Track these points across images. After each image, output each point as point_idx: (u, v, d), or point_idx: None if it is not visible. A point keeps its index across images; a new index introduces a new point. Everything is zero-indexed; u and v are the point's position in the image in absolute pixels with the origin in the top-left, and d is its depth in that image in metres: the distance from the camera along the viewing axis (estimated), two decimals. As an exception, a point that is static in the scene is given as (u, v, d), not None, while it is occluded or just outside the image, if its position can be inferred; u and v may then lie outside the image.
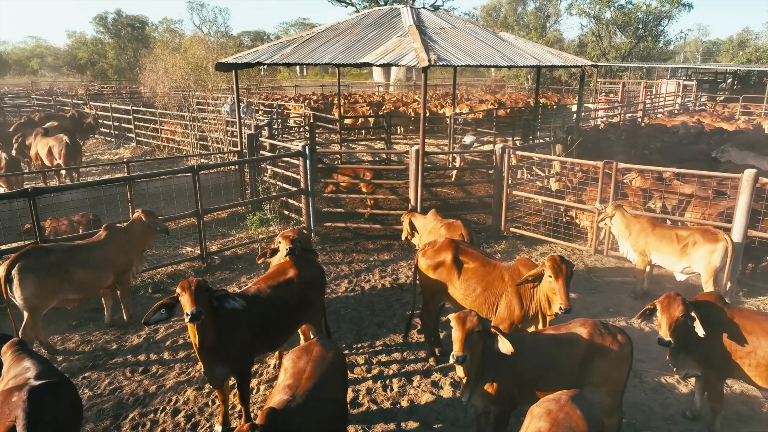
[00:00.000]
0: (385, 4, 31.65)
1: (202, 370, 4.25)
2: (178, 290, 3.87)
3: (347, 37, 9.87)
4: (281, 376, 3.56)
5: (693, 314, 4.07)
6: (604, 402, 4.05)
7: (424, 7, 11.91)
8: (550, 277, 4.48)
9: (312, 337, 5.16)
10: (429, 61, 8.08)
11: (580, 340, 3.88)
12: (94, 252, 5.78)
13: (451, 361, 3.54)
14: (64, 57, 64.30)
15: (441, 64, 8.31)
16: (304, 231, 6.50)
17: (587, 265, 8.10)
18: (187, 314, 3.76)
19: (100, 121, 18.31)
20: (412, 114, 20.36)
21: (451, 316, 3.69)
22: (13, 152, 12.71)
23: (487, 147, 15.73)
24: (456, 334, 3.58)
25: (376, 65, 9.21)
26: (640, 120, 20.92)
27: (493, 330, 3.70)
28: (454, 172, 12.25)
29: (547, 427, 2.89)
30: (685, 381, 5.15)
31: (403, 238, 7.59)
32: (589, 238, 8.40)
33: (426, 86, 8.66)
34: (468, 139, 13.37)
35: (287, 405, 3.18)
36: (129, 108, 18.63)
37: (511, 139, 15.33)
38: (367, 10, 13.08)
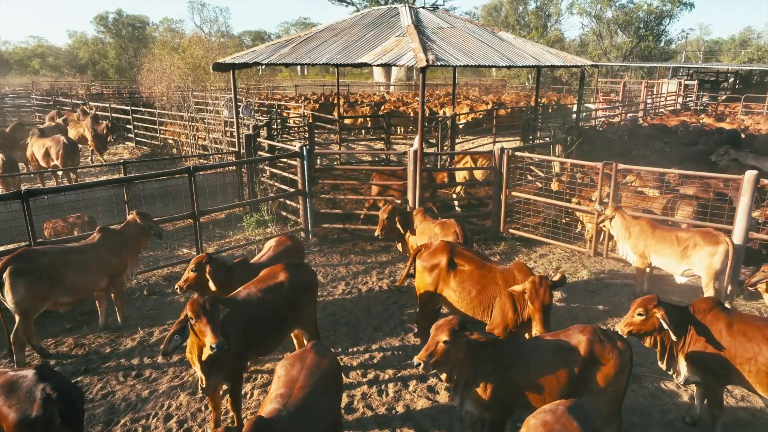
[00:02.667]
0: (386, 4, 31.58)
1: (204, 383, 4.10)
2: (190, 314, 3.70)
3: (345, 37, 9.79)
4: (274, 385, 3.49)
5: (662, 318, 4.10)
6: (603, 409, 3.98)
7: (423, 7, 11.83)
8: (528, 300, 4.41)
9: (305, 342, 5.10)
10: (427, 61, 8.01)
11: (579, 347, 3.81)
12: (87, 254, 5.70)
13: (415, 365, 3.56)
14: (65, 57, 64.35)
15: (439, 64, 8.23)
16: (296, 236, 6.33)
17: (587, 266, 8.02)
18: (212, 347, 3.58)
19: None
20: (412, 114, 20.28)
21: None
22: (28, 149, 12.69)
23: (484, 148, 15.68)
24: (428, 341, 3.61)
25: (374, 65, 9.14)
26: (640, 119, 20.82)
27: (480, 336, 3.62)
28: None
29: None
30: (685, 387, 5.08)
31: (378, 233, 7.09)
32: (586, 239, 8.32)
33: (424, 86, 8.59)
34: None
35: (277, 415, 3.11)
36: (128, 108, 18.58)
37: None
38: (366, 9, 13.00)
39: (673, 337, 4.07)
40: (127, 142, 18.25)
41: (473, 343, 3.62)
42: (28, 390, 3.12)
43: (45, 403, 3.06)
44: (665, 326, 4.07)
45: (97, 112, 17.81)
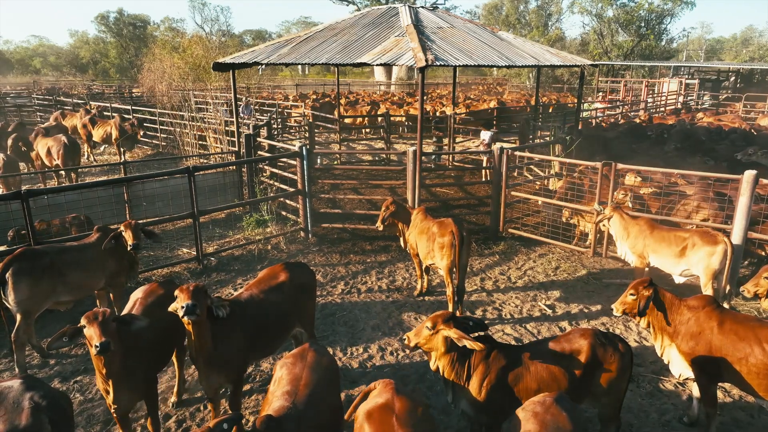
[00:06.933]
0: (386, 3, 31.57)
1: (198, 377, 4.18)
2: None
3: (345, 37, 9.81)
4: (276, 384, 3.51)
5: (640, 299, 4.31)
6: (604, 412, 3.99)
7: (422, 7, 11.82)
8: None
9: (304, 342, 5.11)
10: (426, 61, 8.02)
11: (581, 352, 3.79)
12: (86, 253, 5.70)
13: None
14: (67, 56, 64.41)
15: (438, 64, 8.24)
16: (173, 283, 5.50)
17: (586, 266, 8.03)
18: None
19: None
20: (405, 115, 20.25)
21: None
22: (9, 151, 12.71)
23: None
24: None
25: (373, 65, 9.16)
26: (637, 119, 20.79)
27: (457, 332, 3.66)
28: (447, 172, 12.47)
29: (537, 429, 2.91)
30: (683, 386, 5.09)
31: (379, 226, 7.01)
32: (576, 234, 8.33)
33: (423, 86, 8.60)
34: (485, 134, 12.77)
35: (287, 412, 3.13)
36: (129, 108, 18.61)
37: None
38: (366, 9, 13.01)
39: (644, 321, 4.41)
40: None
41: (460, 343, 3.64)
42: (15, 400, 3.04)
43: (34, 411, 3.00)
44: (641, 305, 4.32)
45: (117, 114, 17.80)
